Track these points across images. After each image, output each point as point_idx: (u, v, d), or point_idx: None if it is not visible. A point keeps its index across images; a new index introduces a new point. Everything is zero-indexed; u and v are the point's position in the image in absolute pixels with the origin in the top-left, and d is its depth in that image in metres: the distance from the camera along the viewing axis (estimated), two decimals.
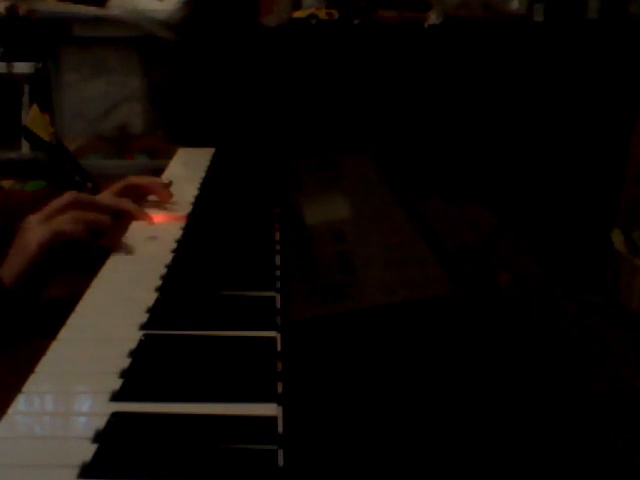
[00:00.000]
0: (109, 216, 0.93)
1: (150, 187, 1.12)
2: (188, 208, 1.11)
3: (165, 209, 1.10)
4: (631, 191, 1.16)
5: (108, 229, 0.92)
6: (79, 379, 0.63)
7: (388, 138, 1.40)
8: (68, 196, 0.91)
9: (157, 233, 0.98)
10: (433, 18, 1.62)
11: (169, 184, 1.14)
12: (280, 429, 0.55)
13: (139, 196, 1.09)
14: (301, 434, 0.54)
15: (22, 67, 2.34)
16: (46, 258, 0.84)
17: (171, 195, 1.13)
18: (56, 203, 0.90)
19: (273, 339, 0.68)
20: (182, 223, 1.03)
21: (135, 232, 0.98)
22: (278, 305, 0.76)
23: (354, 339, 0.65)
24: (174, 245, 0.94)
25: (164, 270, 0.85)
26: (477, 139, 1.34)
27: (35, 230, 0.86)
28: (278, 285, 0.81)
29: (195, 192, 1.20)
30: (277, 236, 0.97)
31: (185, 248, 0.93)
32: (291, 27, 1.73)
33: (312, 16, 1.75)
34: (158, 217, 1.04)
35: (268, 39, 1.62)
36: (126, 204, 1.00)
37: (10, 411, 0.56)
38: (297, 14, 1.80)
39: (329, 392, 0.58)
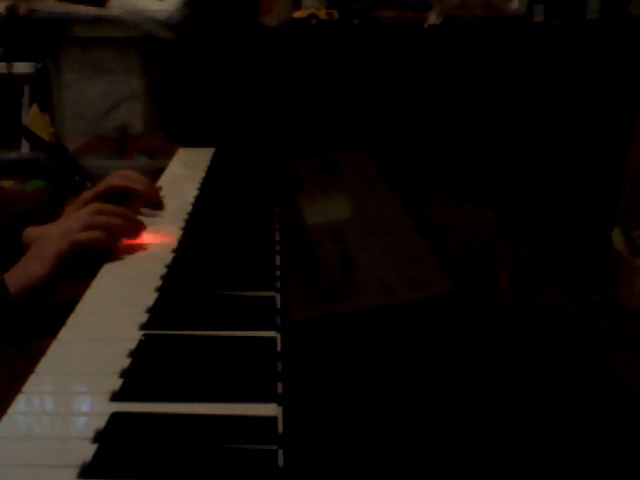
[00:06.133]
0: (123, 220, 0.92)
1: (132, 188, 1.10)
2: (188, 208, 1.11)
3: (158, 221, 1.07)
4: (631, 191, 1.16)
5: (125, 234, 0.92)
6: (79, 379, 0.63)
7: (388, 138, 1.40)
8: (88, 208, 0.91)
9: (157, 233, 0.98)
10: (433, 18, 1.62)
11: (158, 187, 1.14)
12: (280, 429, 0.55)
13: (123, 198, 1.08)
14: (301, 434, 0.54)
15: (22, 67, 2.34)
16: (63, 267, 0.85)
17: (158, 196, 1.12)
18: (75, 214, 0.91)
19: (273, 339, 0.68)
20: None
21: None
22: (278, 305, 0.76)
23: (354, 339, 0.65)
24: (174, 245, 0.94)
25: (164, 270, 0.85)
26: (477, 139, 1.34)
27: (53, 240, 0.86)
28: (278, 285, 0.81)
29: (195, 192, 1.20)
30: (277, 236, 0.97)
31: (185, 248, 0.93)
32: (291, 27, 1.73)
33: (312, 16, 1.76)
34: (148, 237, 0.97)
35: (268, 39, 1.62)
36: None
37: (10, 411, 0.56)
38: (297, 14, 1.80)
39: (329, 392, 0.58)
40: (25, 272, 0.84)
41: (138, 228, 0.94)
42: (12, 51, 2.32)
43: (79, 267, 0.87)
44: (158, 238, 0.97)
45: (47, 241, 0.86)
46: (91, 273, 0.85)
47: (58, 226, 0.90)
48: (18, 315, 0.80)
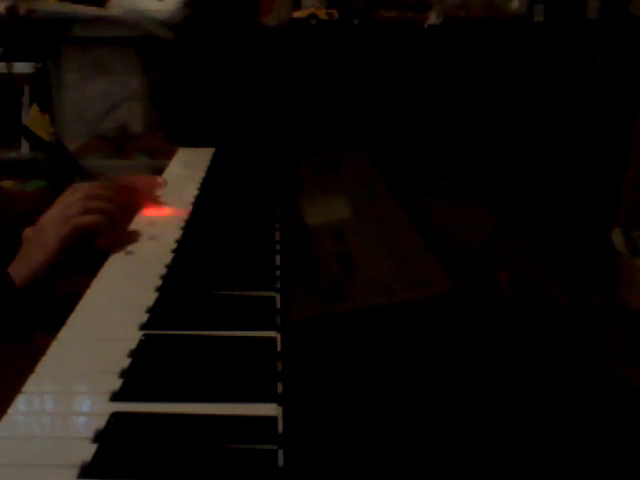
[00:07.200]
0: (114, 205, 0.92)
1: (139, 186, 1.11)
2: (188, 208, 1.11)
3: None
4: (631, 191, 1.16)
5: (119, 218, 0.92)
6: (79, 379, 0.63)
7: (388, 138, 1.40)
8: (79, 191, 0.91)
9: (157, 233, 0.98)
10: (433, 18, 1.62)
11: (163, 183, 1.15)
12: (280, 429, 0.55)
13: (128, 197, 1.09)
14: (301, 434, 0.54)
15: (22, 67, 2.34)
16: (66, 253, 0.85)
17: (164, 183, 1.13)
18: (67, 199, 0.90)
19: (273, 339, 0.68)
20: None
21: (135, 232, 0.98)
22: (278, 305, 0.76)
23: (354, 339, 0.65)
24: (174, 245, 0.94)
25: (164, 270, 0.85)
26: (477, 139, 1.34)
27: (53, 227, 0.85)
28: (278, 285, 0.81)
29: (195, 192, 1.20)
30: (277, 236, 0.97)
31: (185, 248, 0.93)
32: (291, 27, 1.73)
33: (312, 16, 1.76)
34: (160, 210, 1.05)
35: (268, 39, 1.62)
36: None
37: (10, 411, 0.56)
38: (297, 14, 1.80)
39: (329, 392, 0.58)
40: (28, 262, 0.83)
41: (126, 214, 0.95)
42: (12, 51, 2.32)
43: (79, 255, 0.87)
44: (158, 237, 0.97)
45: (46, 229, 0.86)
46: (91, 272, 0.85)
47: (53, 213, 0.89)
48: (24, 308, 0.80)
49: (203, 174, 1.33)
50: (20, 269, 0.83)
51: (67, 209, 0.88)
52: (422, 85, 1.47)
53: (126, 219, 0.96)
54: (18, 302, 0.80)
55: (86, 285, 0.81)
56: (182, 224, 1.03)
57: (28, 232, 0.95)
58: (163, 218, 1.07)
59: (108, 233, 0.89)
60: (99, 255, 0.89)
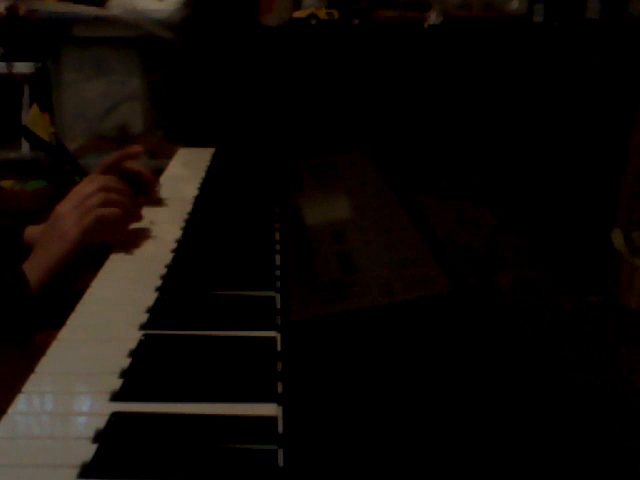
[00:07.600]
0: (130, 199, 0.93)
1: (123, 158, 1.08)
2: (188, 208, 1.11)
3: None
4: (630, 191, 1.16)
5: (133, 212, 0.93)
6: (79, 379, 0.63)
7: (388, 138, 1.40)
8: (97, 183, 0.90)
9: (157, 233, 0.98)
10: (433, 18, 1.62)
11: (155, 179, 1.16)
12: (280, 429, 0.55)
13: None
14: (301, 434, 0.54)
15: (22, 67, 2.34)
16: (85, 243, 0.84)
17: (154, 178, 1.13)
18: (86, 189, 0.89)
19: (273, 339, 0.68)
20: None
21: (135, 232, 0.98)
22: (278, 305, 0.76)
23: (354, 339, 0.65)
24: (174, 245, 0.94)
25: (164, 270, 0.85)
26: (477, 139, 1.34)
27: (73, 217, 0.85)
28: (278, 285, 0.81)
29: (195, 192, 1.20)
30: (277, 236, 0.97)
31: (185, 248, 0.93)
32: (291, 27, 1.73)
33: (312, 16, 1.75)
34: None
35: (268, 39, 1.62)
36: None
37: (10, 411, 0.56)
38: (297, 14, 1.80)
39: (329, 392, 0.58)
40: (46, 252, 0.83)
41: (138, 208, 0.96)
42: (12, 51, 2.32)
43: (94, 248, 0.87)
44: (158, 237, 0.97)
45: (65, 219, 0.85)
46: (92, 269, 0.85)
47: (71, 204, 0.87)
48: (38, 307, 0.79)
49: (203, 174, 1.33)
50: (37, 263, 0.82)
51: (87, 200, 0.87)
52: (422, 85, 1.47)
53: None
54: (31, 303, 0.79)
55: (86, 282, 0.81)
56: (182, 224, 1.03)
57: (30, 231, 0.95)
58: (163, 218, 1.07)
59: (124, 226, 0.89)
60: (100, 250, 0.89)
